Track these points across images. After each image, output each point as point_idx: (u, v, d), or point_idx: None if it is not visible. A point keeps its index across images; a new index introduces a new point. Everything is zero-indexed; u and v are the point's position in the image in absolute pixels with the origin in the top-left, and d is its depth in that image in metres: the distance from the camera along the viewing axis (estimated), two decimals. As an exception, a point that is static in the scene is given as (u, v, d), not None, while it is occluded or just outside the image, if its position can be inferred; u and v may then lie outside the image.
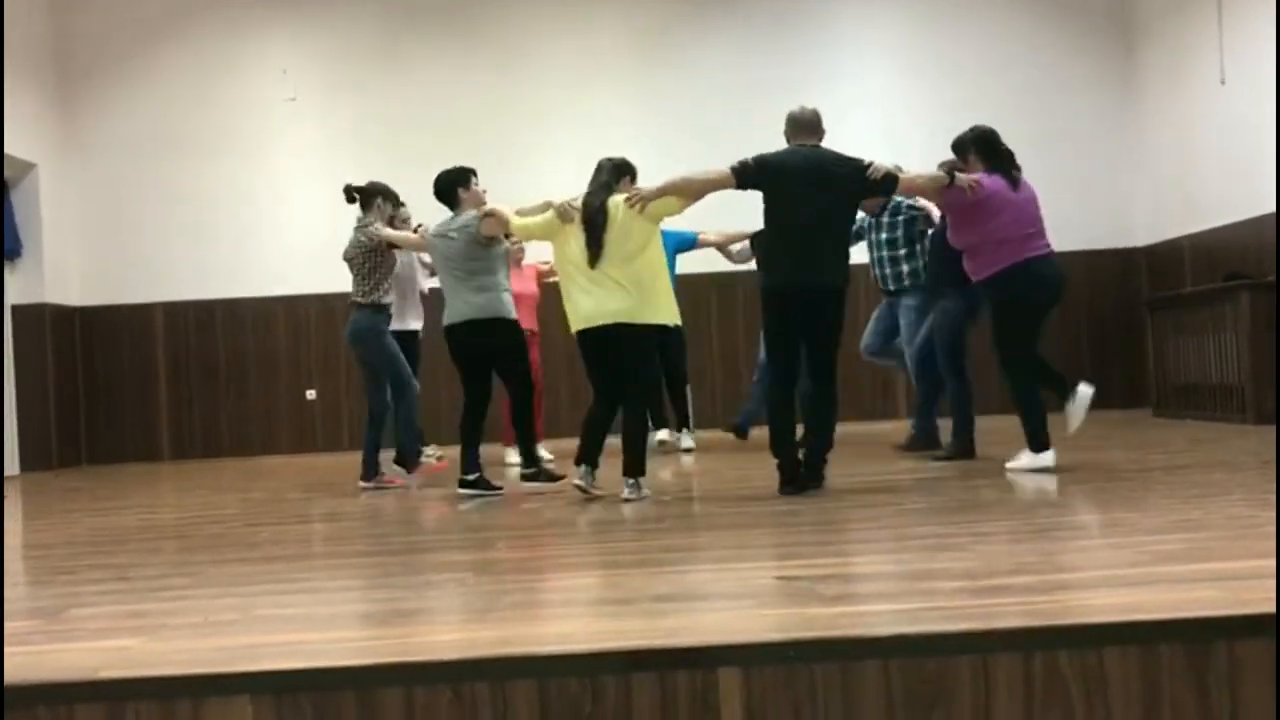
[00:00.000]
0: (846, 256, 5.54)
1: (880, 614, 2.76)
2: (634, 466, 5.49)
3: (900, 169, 5.70)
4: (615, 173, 5.68)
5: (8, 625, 3.13)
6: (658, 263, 5.59)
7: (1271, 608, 2.54)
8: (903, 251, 7.18)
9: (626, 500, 5.37)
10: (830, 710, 2.46)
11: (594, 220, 5.52)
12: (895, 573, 3.39)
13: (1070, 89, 10.83)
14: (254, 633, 2.97)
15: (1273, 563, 3.01)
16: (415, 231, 6.81)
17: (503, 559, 4.08)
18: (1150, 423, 8.90)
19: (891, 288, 7.26)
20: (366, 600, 3.38)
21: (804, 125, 5.58)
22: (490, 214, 5.99)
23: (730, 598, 3.09)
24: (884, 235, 7.25)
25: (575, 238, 5.58)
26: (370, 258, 6.62)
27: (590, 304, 5.53)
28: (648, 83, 10.86)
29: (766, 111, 10.75)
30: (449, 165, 6.27)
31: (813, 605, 2.95)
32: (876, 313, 7.53)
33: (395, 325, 6.94)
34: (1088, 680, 2.47)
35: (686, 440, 8.34)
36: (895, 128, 10.43)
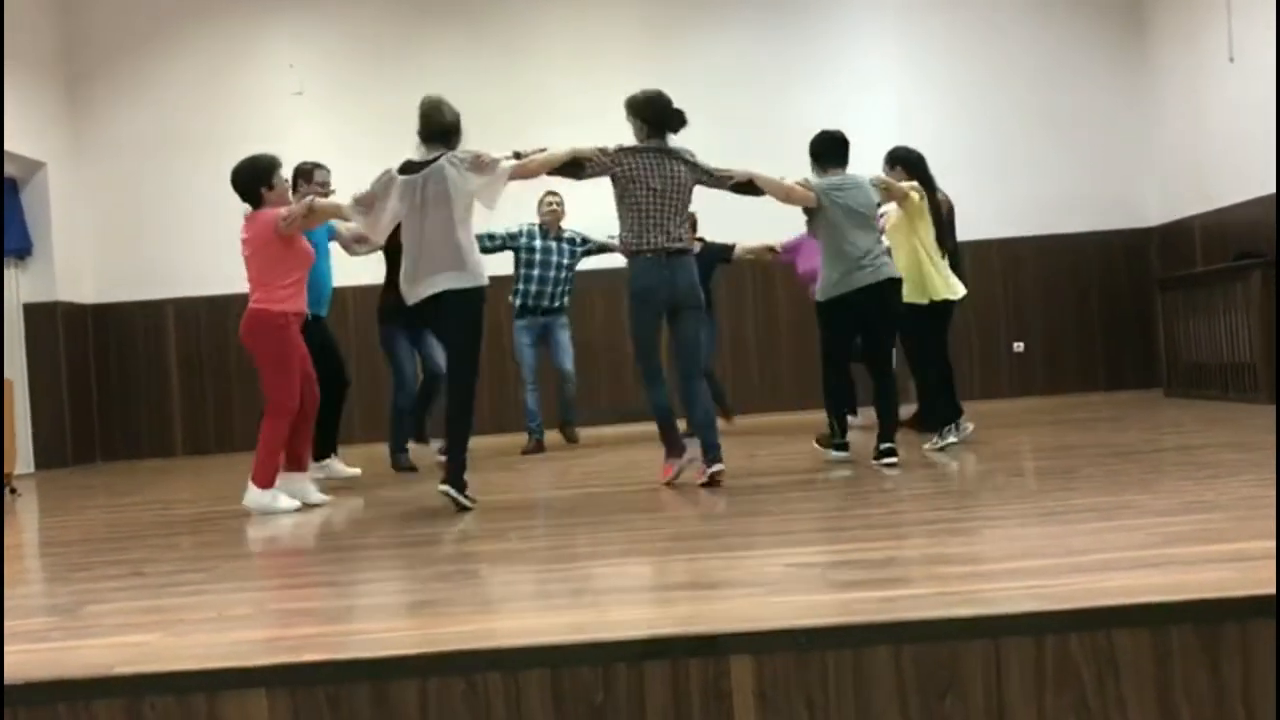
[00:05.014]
0: None
1: (891, 600, 2.76)
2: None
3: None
4: None
5: (26, 623, 3.17)
6: None
7: (1283, 588, 2.54)
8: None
9: (942, 446, 6.26)
10: (842, 697, 2.47)
11: (946, 215, 6.65)
12: (905, 558, 3.40)
13: (1080, 69, 10.77)
14: (269, 627, 2.99)
15: (1284, 543, 3.00)
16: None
17: (515, 550, 4.09)
18: (1162, 403, 8.88)
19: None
20: (380, 593, 3.40)
21: None
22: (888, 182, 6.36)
23: (741, 585, 3.10)
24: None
25: (927, 221, 6.44)
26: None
27: (952, 280, 6.55)
28: (659, 70, 10.75)
29: (780, 96, 10.88)
30: None
31: (824, 592, 2.96)
32: None
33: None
34: (1099, 663, 2.48)
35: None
36: (907, 110, 10.39)
